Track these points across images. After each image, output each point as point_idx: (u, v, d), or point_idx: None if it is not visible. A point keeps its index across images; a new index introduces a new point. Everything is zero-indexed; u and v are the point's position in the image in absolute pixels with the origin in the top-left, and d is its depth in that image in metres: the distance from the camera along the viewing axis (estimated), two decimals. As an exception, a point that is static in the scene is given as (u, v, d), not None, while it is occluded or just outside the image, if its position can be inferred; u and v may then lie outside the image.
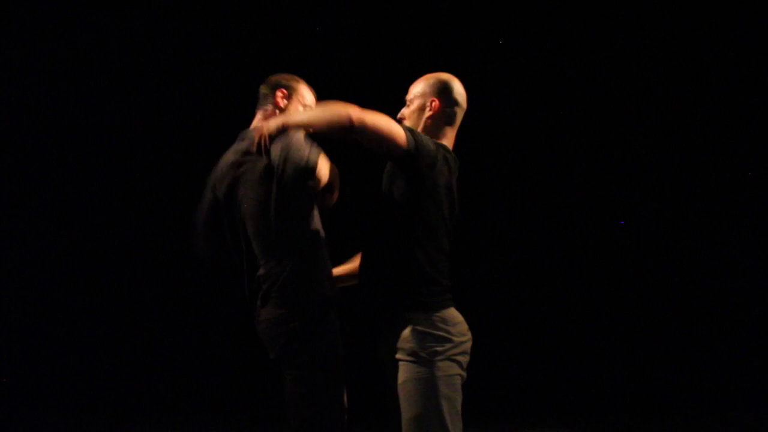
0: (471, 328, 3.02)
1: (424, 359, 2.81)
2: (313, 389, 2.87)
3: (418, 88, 3.12)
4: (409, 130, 2.87)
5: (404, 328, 2.85)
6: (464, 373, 2.91)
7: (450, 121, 3.09)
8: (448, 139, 3.09)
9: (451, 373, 2.84)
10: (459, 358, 2.88)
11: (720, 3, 7.60)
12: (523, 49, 7.87)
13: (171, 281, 7.82)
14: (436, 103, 3.07)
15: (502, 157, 7.99)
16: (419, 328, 2.84)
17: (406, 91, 3.18)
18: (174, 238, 7.79)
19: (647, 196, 8.03)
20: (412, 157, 2.84)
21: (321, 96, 3.29)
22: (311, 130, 2.87)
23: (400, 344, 2.85)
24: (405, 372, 2.83)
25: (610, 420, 7.16)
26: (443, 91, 3.08)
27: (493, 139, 7.89)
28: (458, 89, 3.11)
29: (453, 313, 2.92)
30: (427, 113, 3.07)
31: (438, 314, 2.87)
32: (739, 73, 7.75)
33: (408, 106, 3.14)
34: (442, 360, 2.82)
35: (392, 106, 3.20)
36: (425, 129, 3.06)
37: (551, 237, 8.04)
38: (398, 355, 2.85)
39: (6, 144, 7.77)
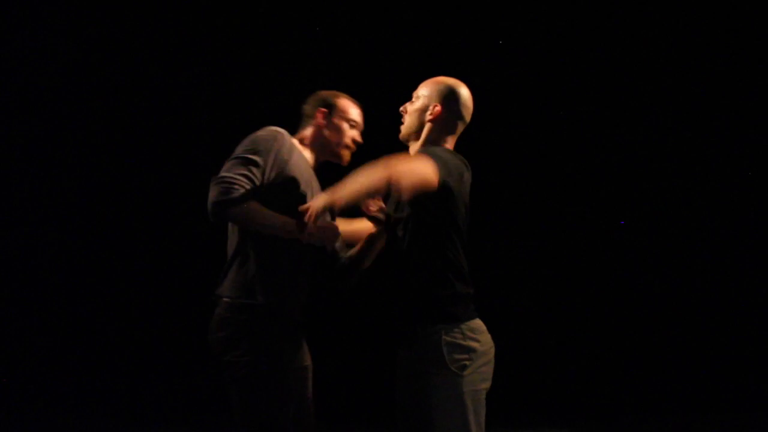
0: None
1: (453, 373, 2.76)
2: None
3: (425, 89, 3.09)
4: (436, 160, 2.82)
5: (434, 339, 2.79)
6: (489, 384, 2.86)
7: (450, 130, 3.06)
8: (449, 146, 3.06)
9: (478, 387, 2.80)
10: (485, 369, 2.83)
11: (720, 3, 7.61)
12: (522, 49, 7.87)
13: (170, 281, 7.82)
14: (438, 108, 3.02)
15: (501, 157, 7.99)
16: (449, 339, 2.78)
17: (407, 92, 3.18)
18: (174, 237, 7.80)
19: (647, 196, 8.03)
20: (443, 185, 2.81)
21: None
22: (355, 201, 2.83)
23: (430, 355, 2.79)
24: (430, 385, 2.76)
25: (610, 420, 7.16)
26: (448, 99, 3.04)
27: (492, 139, 7.89)
28: (465, 101, 3.07)
29: (479, 324, 2.89)
30: (428, 116, 3.03)
31: (466, 324, 2.83)
32: (739, 73, 7.75)
33: (412, 102, 3.11)
34: (470, 374, 2.77)
35: (394, 106, 3.20)
36: (426, 131, 3.03)
37: (551, 237, 8.04)
38: (427, 367, 2.78)
39: (6, 144, 7.77)
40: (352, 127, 3.27)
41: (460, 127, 3.09)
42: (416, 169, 2.76)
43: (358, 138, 3.28)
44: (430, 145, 3.00)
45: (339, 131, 3.23)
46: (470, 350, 2.80)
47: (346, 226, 3.20)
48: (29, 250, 7.84)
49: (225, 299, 3.05)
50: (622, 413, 7.30)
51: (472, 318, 2.87)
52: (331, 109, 3.23)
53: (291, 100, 3.49)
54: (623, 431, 6.90)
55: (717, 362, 7.70)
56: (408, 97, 3.16)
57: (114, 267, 7.90)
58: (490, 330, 2.94)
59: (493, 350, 2.89)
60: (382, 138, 3.47)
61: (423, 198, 2.80)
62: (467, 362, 2.77)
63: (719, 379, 7.61)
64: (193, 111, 7.78)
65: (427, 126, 3.04)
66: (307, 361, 3.05)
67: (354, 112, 3.27)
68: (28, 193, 7.86)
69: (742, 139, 7.89)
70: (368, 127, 3.35)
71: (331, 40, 7.65)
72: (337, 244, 3.14)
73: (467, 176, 2.97)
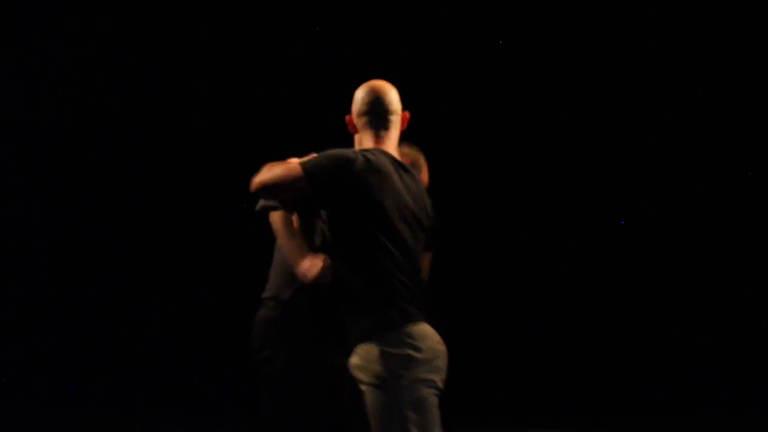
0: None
1: (388, 383, 2.64)
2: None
3: None
4: (311, 161, 2.75)
5: (368, 348, 2.68)
6: (436, 391, 2.73)
7: (369, 129, 2.95)
8: (385, 147, 2.92)
9: (418, 396, 2.66)
10: (430, 376, 2.69)
11: (720, 3, 7.61)
12: (522, 48, 7.87)
13: (170, 281, 7.82)
14: (348, 118, 2.99)
15: (502, 157, 7.99)
16: (382, 348, 2.65)
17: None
18: (174, 237, 7.80)
19: (647, 196, 8.03)
20: (316, 186, 2.72)
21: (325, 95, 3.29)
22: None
23: (363, 364, 2.69)
24: (371, 398, 2.66)
25: (610, 420, 7.16)
26: (353, 106, 2.99)
27: (492, 139, 7.90)
28: (360, 97, 2.97)
29: (421, 329, 2.72)
30: (351, 131, 3.01)
31: (403, 331, 2.67)
32: (739, 73, 7.75)
33: None
34: (407, 383, 2.64)
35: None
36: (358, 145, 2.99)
37: (552, 237, 8.04)
38: (361, 375, 2.69)
39: (6, 144, 7.77)
40: None
41: (376, 120, 2.95)
42: (276, 169, 2.75)
43: None
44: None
45: None
46: (407, 359, 2.66)
47: None
48: (29, 250, 7.85)
49: (262, 298, 3.04)
50: (621, 413, 7.30)
51: (413, 323, 2.70)
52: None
53: (291, 101, 3.51)
54: (623, 431, 6.90)
55: (717, 362, 7.70)
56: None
57: (114, 267, 7.91)
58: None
59: (440, 354, 2.75)
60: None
61: (315, 197, 2.77)
62: (402, 371, 2.65)
63: (719, 379, 7.61)
64: (193, 111, 7.78)
65: (355, 138, 3.00)
66: (340, 360, 2.88)
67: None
68: (28, 192, 7.86)
69: (742, 139, 7.89)
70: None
71: (330, 40, 7.65)
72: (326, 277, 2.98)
73: (377, 174, 2.77)
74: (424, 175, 3.35)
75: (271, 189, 2.76)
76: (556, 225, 8.05)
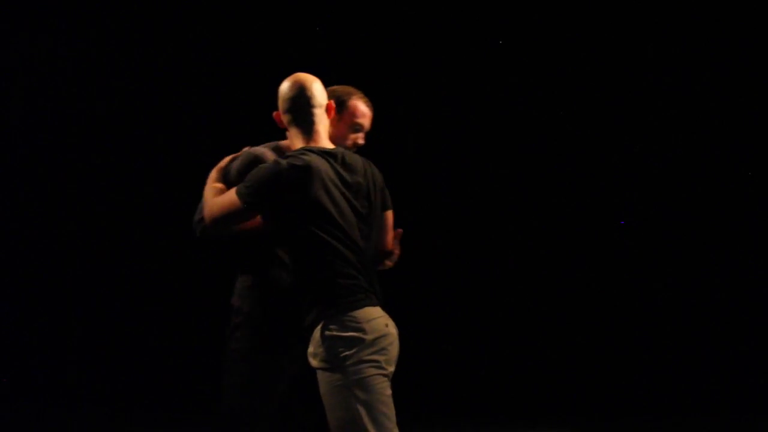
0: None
1: (335, 365, 2.80)
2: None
3: None
4: (245, 190, 2.90)
5: (316, 334, 2.86)
6: (386, 371, 2.86)
7: (296, 125, 3.04)
8: (315, 141, 3.02)
9: (366, 375, 2.80)
10: (375, 357, 2.83)
11: (720, 3, 7.61)
12: (523, 48, 7.87)
13: (170, 281, 7.82)
14: (276, 114, 3.08)
15: (501, 157, 7.99)
16: (328, 333, 2.82)
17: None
18: (175, 237, 7.80)
19: (647, 196, 8.03)
20: (257, 209, 2.92)
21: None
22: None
23: (313, 350, 2.86)
24: (322, 381, 2.84)
25: (610, 420, 7.16)
26: (279, 102, 3.07)
27: (491, 139, 7.90)
28: (283, 94, 3.05)
29: (366, 312, 2.86)
30: (280, 127, 3.10)
31: (348, 315, 2.83)
32: (739, 73, 7.75)
33: None
34: (353, 364, 2.79)
35: (393, 107, 3.20)
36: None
37: (552, 236, 8.04)
38: (313, 362, 2.86)
39: (5, 144, 7.77)
40: (356, 130, 3.26)
41: (303, 113, 3.03)
42: (219, 201, 2.97)
43: (360, 141, 3.28)
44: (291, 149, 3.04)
45: (341, 131, 3.23)
46: (352, 341, 2.81)
47: None
48: (29, 250, 7.84)
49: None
50: (622, 413, 7.30)
51: (358, 307, 2.85)
52: (341, 106, 3.22)
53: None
54: (623, 431, 6.90)
55: (717, 362, 7.70)
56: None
57: (114, 267, 7.91)
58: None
59: (388, 335, 2.88)
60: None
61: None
62: (347, 353, 2.79)
63: (719, 379, 7.61)
64: (192, 111, 7.78)
65: (288, 137, 3.11)
66: (292, 369, 3.10)
67: (362, 114, 3.26)
68: (27, 192, 7.86)
69: (742, 139, 7.89)
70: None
71: (330, 40, 7.65)
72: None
73: (322, 167, 2.90)
74: (358, 110, 3.29)
75: (222, 224, 2.96)
76: (556, 225, 8.05)
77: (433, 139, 7.75)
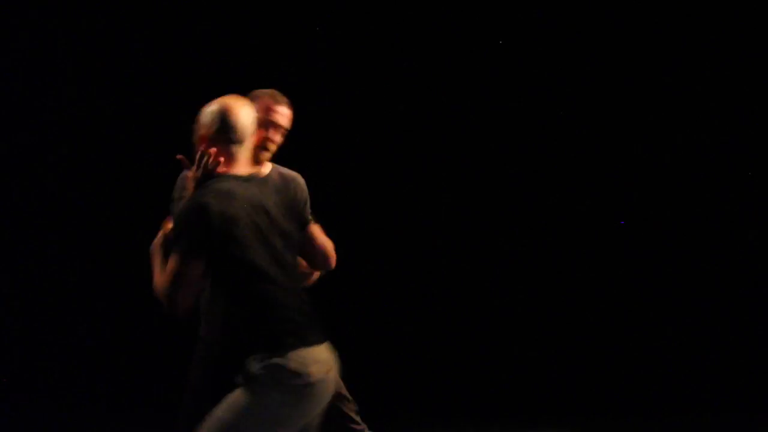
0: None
1: (257, 388, 2.71)
2: None
3: None
4: (178, 245, 2.74)
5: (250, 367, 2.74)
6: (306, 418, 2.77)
7: (220, 149, 2.93)
8: (235, 167, 2.92)
9: (278, 407, 2.70)
10: (301, 403, 2.73)
11: (720, 3, 7.61)
12: (522, 48, 7.87)
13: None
14: (199, 137, 2.99)
15: (501, 157, 7.99)
16: (262, 373, 2.71)
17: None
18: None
19: (647, 196, 8.03)
20: (200, 255, 2.73)
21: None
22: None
23: (243, 370, 2.75)
24: (237, 392, 2.75)
25: (610, 420, 7.15)
26: (201, 127, 3.00)
27: (491, 139, 7.90)
28: (205, 119, 2.97)
29: (304, 354, 2.74)
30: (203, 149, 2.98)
31: (288, 358, 2.71)
32: (739, 73, 7.75)
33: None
34: (276, 401, 2.69)
35: (389, 108, 3.20)
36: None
37: (552, 236, 8.04)
38: (240, 380, 2.76)
39: (6, 144, 7.77)
40: (270, 127, 3.24)
41: (221, 142, 2.94)
42: (170, 266, 2.75)
43: (276, 139, 3.26)
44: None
45: (258, 131, 3.16)
46: (290, 388, 2.71)
47: None
48: (29, 250, 7.84)
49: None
50: (622, 413, 7.29)
51: (295, 348, 2.72)
52: (258, 104, 3.21)
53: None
54: (623, 431, 6.90)
55: (717, 362, 7.69)
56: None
57: (113, 266, 7.90)
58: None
59: (322, 382, 2.76)
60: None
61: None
62: (275, 386, 2.70)
63: (719, 379, 7.60)
64: (191, 111, 7.76)
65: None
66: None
67: (276, 112, 3.24)
68: (27, 192, 7.86)
69: (742, 139, 7.89)
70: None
71: (329, 39, 7.65)
72: None
73: (242, 196, 2.82)
74: (274, 109, 3.34)
75: (180, 293, 2.73)
76: (557, 224, 8.05)
77: (433, 139, 7.75)
